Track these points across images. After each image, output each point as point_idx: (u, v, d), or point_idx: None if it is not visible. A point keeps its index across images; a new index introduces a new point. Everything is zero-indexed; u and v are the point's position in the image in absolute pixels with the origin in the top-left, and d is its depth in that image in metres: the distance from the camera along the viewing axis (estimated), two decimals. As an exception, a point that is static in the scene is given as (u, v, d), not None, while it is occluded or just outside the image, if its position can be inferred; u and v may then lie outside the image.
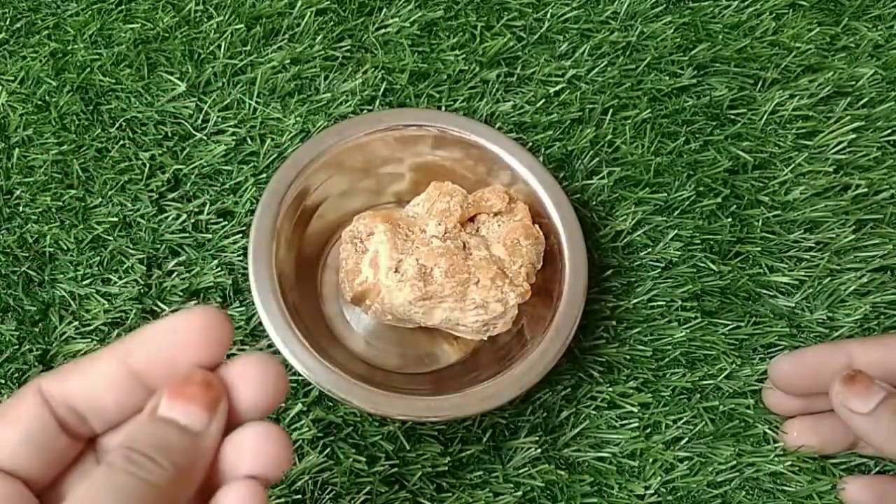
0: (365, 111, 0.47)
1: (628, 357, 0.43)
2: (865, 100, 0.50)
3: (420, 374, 0.42)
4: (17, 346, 0.40)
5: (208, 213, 0.44)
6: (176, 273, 0.42)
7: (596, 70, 0.49)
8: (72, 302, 0.41)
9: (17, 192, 0.44)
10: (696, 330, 0.43)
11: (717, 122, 0.49)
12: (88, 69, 0.47)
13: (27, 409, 0.24)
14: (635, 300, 0.44)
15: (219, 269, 0.42)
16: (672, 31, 0.51)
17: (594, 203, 0.46)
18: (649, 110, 0.48)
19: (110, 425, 0.25)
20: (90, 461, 0.26)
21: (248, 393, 0.24)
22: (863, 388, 0.36)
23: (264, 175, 0.45)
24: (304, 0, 0.49)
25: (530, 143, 0.47)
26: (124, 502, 0.21)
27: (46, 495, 0.24)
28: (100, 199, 0.44)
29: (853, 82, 0.51)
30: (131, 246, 0.43)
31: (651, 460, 0.41)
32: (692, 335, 0.43)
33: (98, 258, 0.42)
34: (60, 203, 0.44)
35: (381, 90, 0.47)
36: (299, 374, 0.37)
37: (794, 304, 0.44)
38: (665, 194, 0.46)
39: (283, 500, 0.38)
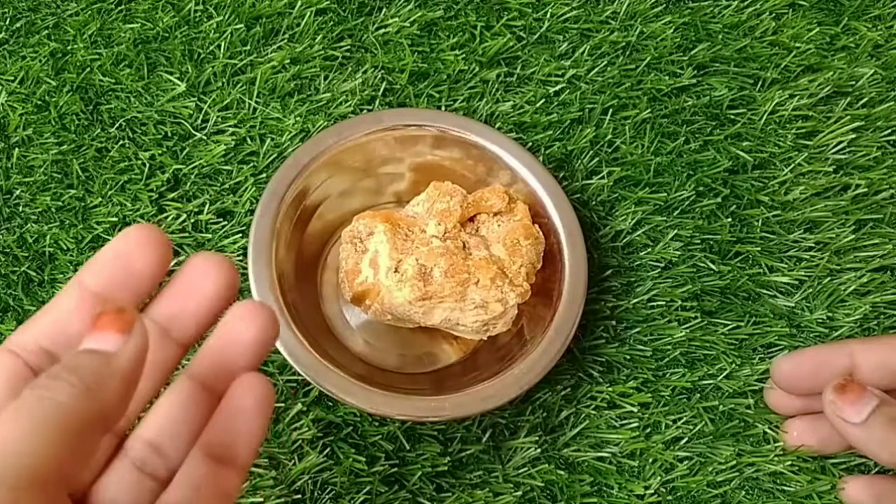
0: (365, 111, 0.47)
1: (628, 357, 0.43)
2: (865, 100, 0.50)
3: (420, 374, 0.42)
4: (16, 346, 0.40)
5: (208, 213, 0.44)
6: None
7: (596, 70, 0.49)
8: (71, 302, 0.41)
9: (17, 192, 0.44)
10: (696, 330, 0.43)
11: (716, 121, 0.49)
12: (88, 69, 0.47)
13: None
14: (635, 300, 0.44)
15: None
16: (672, 30, 0.51)
17: (594, 203, 0.46)
18: (649, 110, 0.48)
19: None
20: None
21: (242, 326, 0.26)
22: (855, 396, 0.36)
23: (264, 175, 0.45)
24: (303, 0, 0.49)
25: (530, 143, 0.47)
26: (33, 421, 0.21)
27: None
28: (99, 199, 0.44)
29: (853, 82, 0.51)
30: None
31: (651, 460, 0.41)
32: (692, 335, 0.43)
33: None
34: (60, 203, 0.44)
35: (381, 90, 0.47)
36: (299, 374, 0.37)
37: (793, 304, 0.44)
38: (665, 194, 0.46)
39: (282, 500, 0.38)
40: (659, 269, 0.45)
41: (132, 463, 0.26)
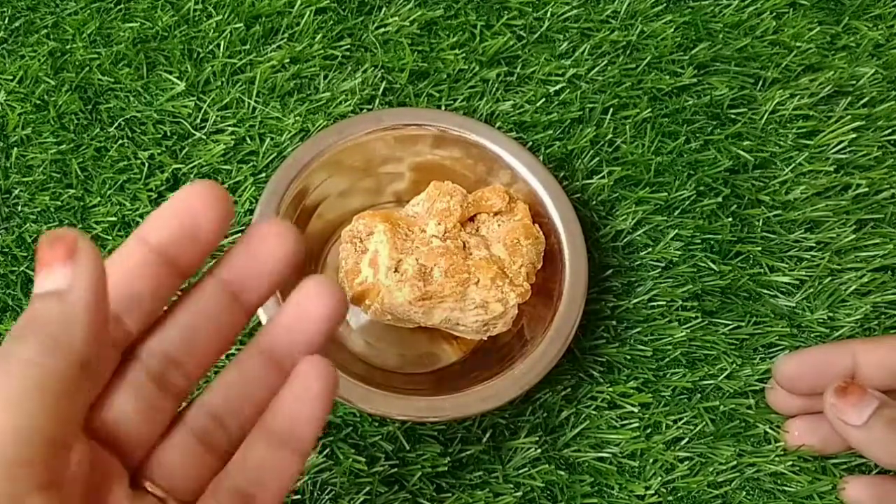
0: (364, 110, 0.47)
1: (628, 357, 0.43)
2: (866, 99, 0.50)
3: (420, 374, 0.42)
4: (15, 346, 0.40)
5: (207, 213, 0.44)
6: (175, 273, 0.42)
7: (596, 69, 0.49)
8: (70, 302, 0.41)
9: (16, 192, 0.44)
10: (697, 330, 0.43)
11: (717, 121, 0.49)
12: (87, 68, 0.47)
13: None
14: (635, 300, 0.44)
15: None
16: (672, 30, 0.51)
17: (594, 203, 0.46)
18: (650, 109, 0.48)
19: (147, 317, 0.24)
20: (137, 371, 0.24)
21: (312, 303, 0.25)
22: (856, 398, 0.36)
23: (263, 174, 0.45)
24: (303, -1, 0.49)
25: (530, 143, 0.47)
26: (5, 393, 0.19)
27: (93, 416, 0.23)
28: (98, 199, 0.44)
29: (854, 82, 0.51)
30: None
31: (651, 460, 0.41)
32: (692, 335, 0.43)
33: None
34: (59, 203, 0.43)
35: (381, 89, 0.47)
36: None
37: (794, 304, 0.44)
38: (665, 194, 0.46)
39: (282, 500, 0.38)
40: (659, 269, 0.45)
41: (193, 433, 0.25)
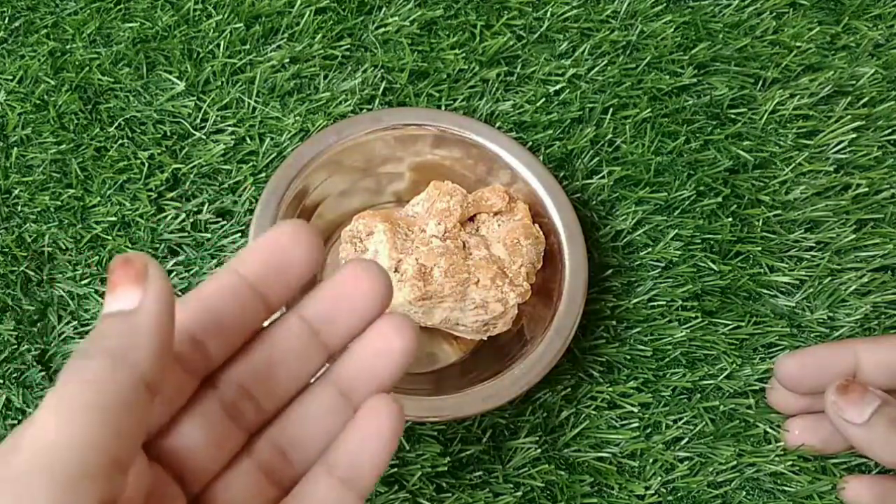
0: (364, 110, 0.47)
1: (628, 357, 0.43)
2: (866, 99, 0.50)
3: (420, 374, 0.42)
4: (15, 346, 0.40)
5: (207, 213, 0.44)
6: (175, 273, 0.42)
7: (596, 69, 0.49)
8: (70, 301, 0.41)
9: (16, 192, 0.44)
10: (697, 330, 0.43)
11: (717, 121, 0.49)
12: (87, 68, 0.47)
13: None
14: (635, 300, 0.44)
15: (218, 268, 0.42)
16: (672, 30, 0.51)
17: (594, 203, 0.46)
18: (649, 109, 0.48)
19: (230, 348, 0.25)
20: (212, 400, 0.25)
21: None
22: (857, 397, 0.36)
23: (263, 174, 0.45)
24: (303, -1, 0.49)
25: (530, 143, 0.47)
26: (69, 410, 0.19)
27: (160, 440, 0.24)
28: (98, 199, 0.44)
29: (853, 82, 0.51)
30: (130, 245, 0.42)
31: (651, 460, 0.41)
32: (692, 335, 0.43)
33: (97, 258, 0.42)
34: (59, 202, 0.43)
35: (381, 89, 0.47)
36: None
37: (794, 304, 0.44)
38: (665, 194, 0.46)
39: (282, 500, 0.38)
40: (659, 269, 0.45)
41: (258, 466, 0.25)
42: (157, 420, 0.24)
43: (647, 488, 0.40)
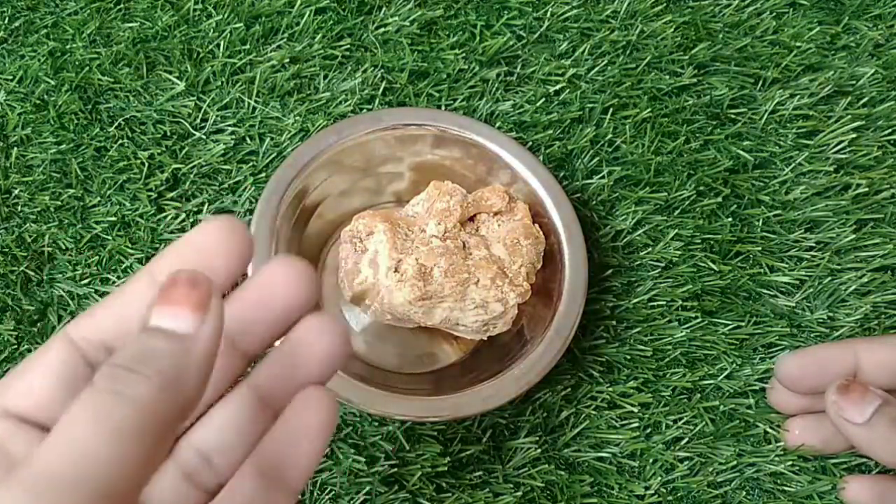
0: (364, 110, 0.47)
1: (628, 357, 0.43)
2: (866, 99, 0.50)
3: (420, 374, 0.42)
4: (15, 346, 0.40)
5: (207, 213, 0.44)
6: (175, 273, 0.42)
7: (596, 69, 0.49)
8: (70, 301, 0.41)
9: (16, 192, 0.44)
10: (697, 330, 0.43)
11: (717, 121, 0.49)
12: (87, 68, 0.47)
13: (56, 355, 0.22)
14: (635, 300, 0.44)
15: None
16: (672, 30, 0.51)
17: (594, 203, 0.46)
18: (649, 109, 0.48)
19: None
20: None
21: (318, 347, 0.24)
22: (858, 396, 0.36)
23: (263, 174, 0.45)
24: (303, -1, 0.49)
25: (530, 143, 0.47)
26: (106, 423, 0.19)
27: None
28: (98, 199, 0.44)
29: (853, 81, 0.51)
30: (130, 245, 0.42)
31: (651, 460, 0.41)
32: (692, 335, 0.43)
33: (97, 258, 0.42)
34: (59, 202, 0.43)
35: (381, 89, 0.47)
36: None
37: (794, 304, 0.44)
38: (665, 194, 0.46)
39: (282, 500, 0.38)
40: (659, 269, 0.45)
41: (181, 470, 0.24)
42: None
43: (646, 488, 0.40)
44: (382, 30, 0.49)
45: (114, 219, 0.43)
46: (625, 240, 0.45)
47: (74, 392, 0.22)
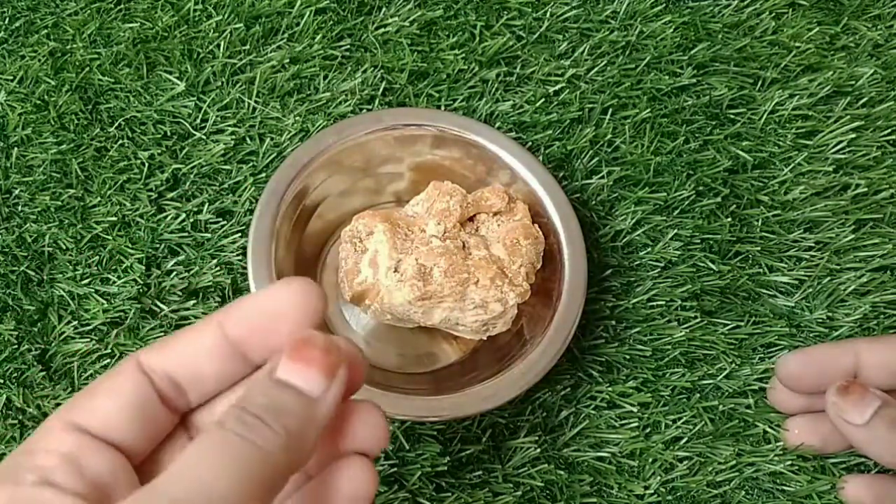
0: (364, 110, 0.47)
1: (628, 357, 0.43)
2: (865, 99, 0.50)
3: (420, 374, 0.42)
4: (15, 346, 0.40)
5: (207, 213, 0.44)
6: (175, 273, 0.42)
7: (595, 69, 0.49)
8: (70, 301, 0.41)
9: (16, 192, 0.44)
10: (696, 330, 0.43)
11: (716, 121, 0.49)
12: (87, 68, 0.47)
13: (127, 380, 0.24)
14: (635, 300, 0.44)
15: (218, 268, 0.42)
16: (672, 30, 0.51)
17: (594, 203, 0.46)
18: (649, 110, 0.48)
19: (207, 397, 0.25)
20: (182, 437, 0.25)
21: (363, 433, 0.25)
22: (857, 397, 0.36)
23: (263, 174, 0.45)
24: (303, -1, 0.49)
25: (530, 143, 0.47)
26: (231, 465, 0.20)
27: (142, 468, 0.24)
28: (99, 199, 0.44)
29: (853, 82, 0.51)
30: (130, 245, 0.42)
31: (651, 460, 0.41)
32: (692, 335, 0.43)
33: (97, 258, 0.42)
34: (59, 202, 0.43)
35: (381, 89, 0.47)
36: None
37: (793, 304, 0.44)
38: (665, 194, 0.46)
39: (282, 500, 0.38)
40: (659, 269, 0.45)
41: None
42: (142, 451, 0.24)
43: (646, 488, 0.40)
44: (382, 30, 0.49)
45: (114, 219, 0.43)
46: (624, 240, 0.45)
47: (143, 415, 0.24)
